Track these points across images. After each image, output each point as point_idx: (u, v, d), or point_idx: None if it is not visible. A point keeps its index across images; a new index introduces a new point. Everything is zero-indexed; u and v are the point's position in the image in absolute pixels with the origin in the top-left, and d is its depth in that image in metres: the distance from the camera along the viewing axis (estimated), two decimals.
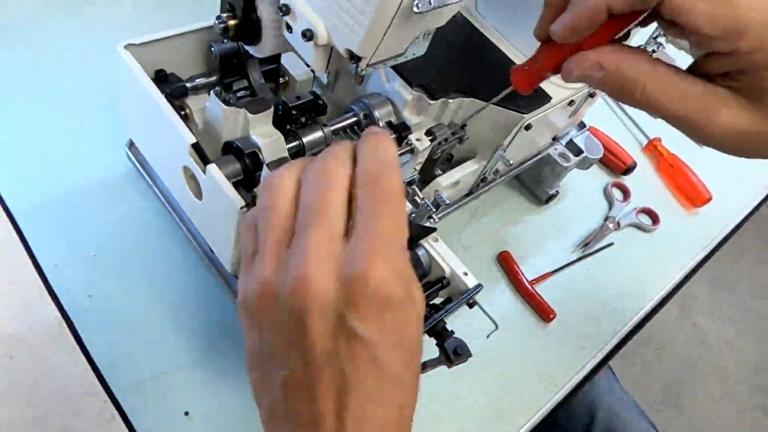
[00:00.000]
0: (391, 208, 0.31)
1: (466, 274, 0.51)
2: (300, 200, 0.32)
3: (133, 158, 0.59)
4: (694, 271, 0.80)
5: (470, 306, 0.51)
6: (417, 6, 0.36)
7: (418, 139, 0.51)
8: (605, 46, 0.33)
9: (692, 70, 0.34)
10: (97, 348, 0.51)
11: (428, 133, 0.52)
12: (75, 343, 0.50)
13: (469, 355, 0.47)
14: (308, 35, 0.39)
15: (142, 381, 0.50)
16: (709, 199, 0.86)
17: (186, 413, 0.50)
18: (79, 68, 0.68)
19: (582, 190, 0.82)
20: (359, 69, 0.40)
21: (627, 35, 0.35)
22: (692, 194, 0.87)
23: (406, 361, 0.31)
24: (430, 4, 0.37)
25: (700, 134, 0.32)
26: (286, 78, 0.59)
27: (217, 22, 0.44)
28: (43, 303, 0.52)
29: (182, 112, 0.53)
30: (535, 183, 0.77)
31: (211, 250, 0.54)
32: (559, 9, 0.34)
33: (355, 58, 0.38)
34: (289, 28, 0.41)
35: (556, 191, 0.78)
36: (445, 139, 0.53)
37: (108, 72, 0.65)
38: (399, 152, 0.50)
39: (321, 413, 0.29)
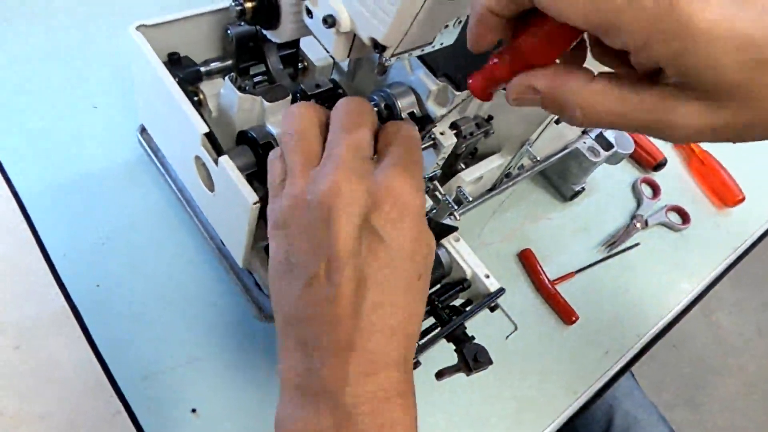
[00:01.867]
0: (417, 156, 0.35)
1: (487, 276, 0.48)
2: (332, 124, 0.35)
3: (144, 144, 0.57)
4: (723, 274, 0.77)
5: (492, 310, 0.49)
6: None
7: (442, 133, 0.48)
8: (541, 68, 0.28)
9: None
10: (104, 340, 0.49)
11: (453, 126, 0.50)
12: (82, 333, 0.49)
13: (490, 362, 0.45)
14: (329, 21, 0.36)
15: (149, 375, 0.49)
16: (742, 199, 0.82)
17: (193, 410, 0.48)
18: (95, 49, 0.65)
19: (609, 186, 0.79)
20: (383, 59, 0.37)
21: (583, 52, 0.30)
22: (724, 193, 0.83)
23: (419, 271, 0.33)
24: None
25: (665, 137, 0.28)
26: (305, 63, 0.57)
27: (233, 4, 0.41)
28: (50, 292, 0.50)
29: (196, 98, 0.50)
30: (561, 178, 0.74)
31: (222, 243, 0.52)
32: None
33: (379, 47, 0.35)
34: (309, 12, 0.38)
35: (582, 187, 0.74)
36: (471, 133, 0.50)
37: (124, 53, 0.63)
38: (422, 146, 0.47)
39: (338, 315, 0.31)
